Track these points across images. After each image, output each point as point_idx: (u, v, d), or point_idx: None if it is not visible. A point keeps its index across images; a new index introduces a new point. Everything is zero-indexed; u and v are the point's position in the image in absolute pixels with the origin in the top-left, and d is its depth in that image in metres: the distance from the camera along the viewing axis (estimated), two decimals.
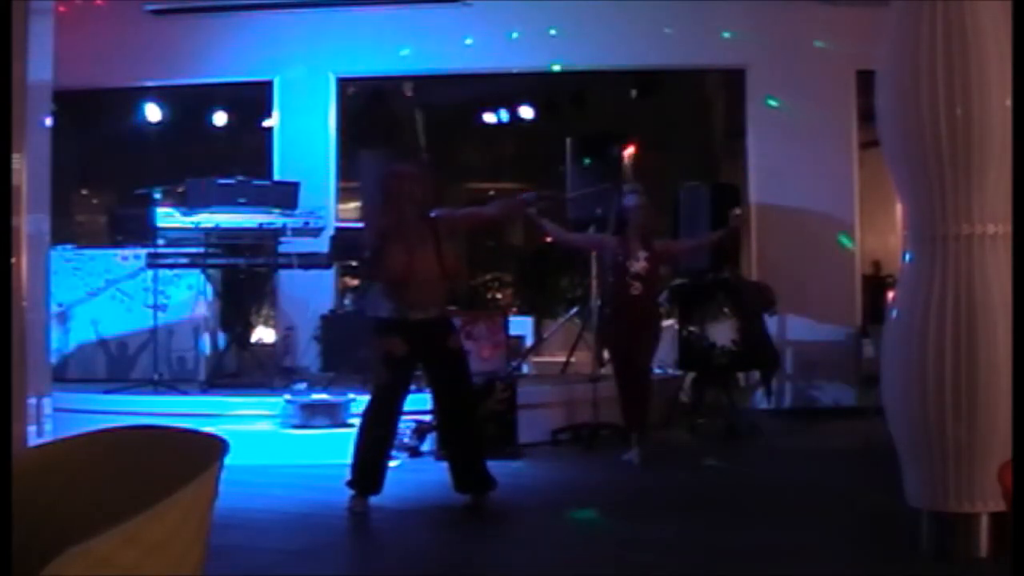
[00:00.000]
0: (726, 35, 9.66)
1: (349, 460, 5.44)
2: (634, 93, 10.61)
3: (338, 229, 9.09)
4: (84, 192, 12.48)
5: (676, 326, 8.65)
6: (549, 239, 7.58)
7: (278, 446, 6.84)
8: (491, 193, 6.70)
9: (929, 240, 4.28)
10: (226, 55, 9.90)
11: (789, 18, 9.54)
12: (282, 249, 7.93)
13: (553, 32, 9.80)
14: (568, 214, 8.28)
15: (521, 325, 10.26)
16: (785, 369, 9.19)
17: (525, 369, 9.12)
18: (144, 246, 8.10)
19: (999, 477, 3.20)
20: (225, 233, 7.81)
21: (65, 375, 8.08)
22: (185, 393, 7.49)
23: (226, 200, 7.77)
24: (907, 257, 4.46)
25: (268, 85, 10.03)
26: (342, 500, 5.36)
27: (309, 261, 8.01)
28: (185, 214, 7.75)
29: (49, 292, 6.89)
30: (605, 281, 7.18)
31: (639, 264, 6.75)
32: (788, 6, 9.51)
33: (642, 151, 6.67)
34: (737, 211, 7.35)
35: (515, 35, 9.84)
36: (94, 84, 9.76)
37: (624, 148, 6.81)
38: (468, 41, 9.85)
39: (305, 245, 8.04)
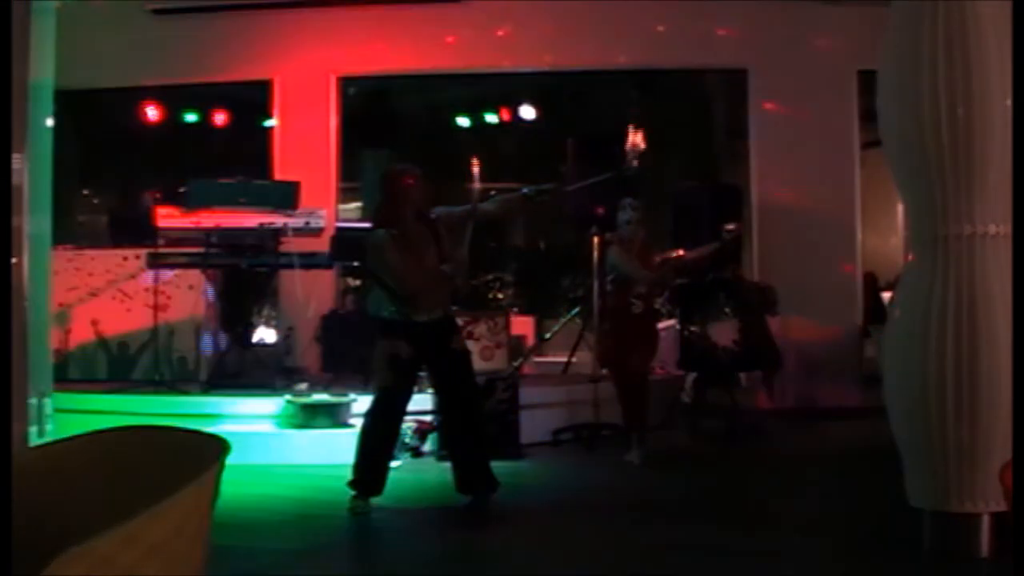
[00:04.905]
0: (726, 35, 9.66)
1: (350, 460, 5.44)
2: (634, 93, 10.62)
3: (338, 229, 9.08)
4: (84, 192, 12.49)
5: (677, 326, 8.64)
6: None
7: (278, 446, 6.84)
8: (492, 193, 6.68)
9: (930, 240, 4.28)
10: (226, 55, 9.90)
11: (789, 18, 9.53)
12: (282, 249, 7.92)
13: (553, 31, 9.80)
14: (568, 211, 8.27)
15: (522, 325, 10.25)
16: (786, 369, 9.18)
17: (526, 369, 9.11)
18: (144, 246, 8.09)
19: (1000, 477, 3.21)
20: (225, 233, 7.81)
21: (65, 375, 8.07)
22: (185, 393, 7.49)
23: (226, 200, 7.76)
24: (908, 257, 4.46)
25: (268, 85, 10.03)
26: (342, 500, 5.36)
27: (309, 261, 8.00)
28: (185, 214, 7.75)
29: (49, 292, 6.91)
30: (605, 297, 7.18)
31: (642, 284, 6.81)
32: (788, 6, 9.50)
33: (644, 143, 6.66)
34: (730, 227, 7.36)
35: (514, 34, 9.84)
36: (94, 84, 9.77)
37: (628, 139, 6.79)
38: (468, 41, 9.86)
39: (306, 245, 8.04)
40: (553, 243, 12.49)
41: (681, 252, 7.34)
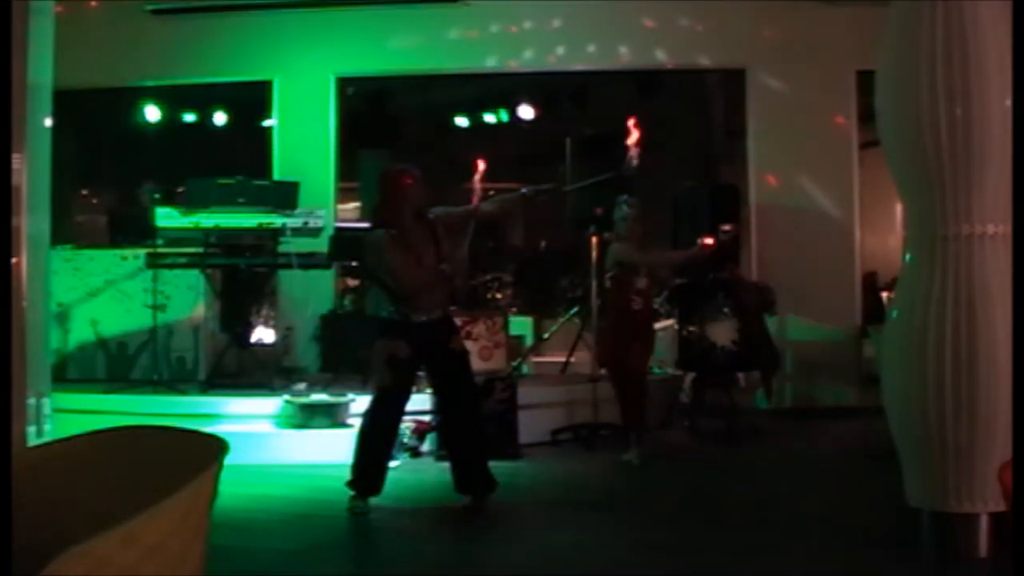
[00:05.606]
0: (726, 35, 9.66)
1: (349, 460, 5.44)
2: (633, 93, 10.60)
3: (338, 229, 9.08)
4: (84, 192, 12.47)
5: (676, 326, 8.64)
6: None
7: (277, 446, 6.84)
8: (491, 193, 6.69)
9: (929, 240, 4.28)
10: (226, 55, 9.90)
11: (789, 18, 9.53)
12: (282, 249, 7.92)
13: (553, 32, 9.81)
14: (567, 211, 8.27)
15: (521, 325, 10.24)
16: (785, 369, 9.18)
17: (525, 369, 9.11)
18: (144, 246, 8.09)
19: (999, 477, 3.20)
20: (225, 233, 7.81)
21: (65, 375, 8.07)
22: (184, 393, 7.48)
23: (226, 200, 7.76)
24: (907, 257, 4.46)
25: (268, 85, 10.03)
26: (342, 500, 5.36)
27: (309, 261, 8.00)
28: (185, 214, 7.75)
29: (49, 292, 6.90)
30: (604, 294, 7.19)
31: (642, 281, 6.81)
32: (788, 6, 9.51)
33: (643, 143, 6.66)
34: (726, 227, 7.37)
35: (513, 34, 9.85)
36: (94, 84, 9.76)
37: (627, 139, 6.77)
38: (468, 41, 9.87)
39: (305, 245, 8.04)
40: (552, 243, 12.48)
41: (710, 240, 7.28)
